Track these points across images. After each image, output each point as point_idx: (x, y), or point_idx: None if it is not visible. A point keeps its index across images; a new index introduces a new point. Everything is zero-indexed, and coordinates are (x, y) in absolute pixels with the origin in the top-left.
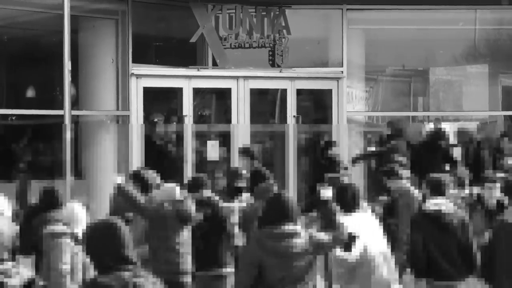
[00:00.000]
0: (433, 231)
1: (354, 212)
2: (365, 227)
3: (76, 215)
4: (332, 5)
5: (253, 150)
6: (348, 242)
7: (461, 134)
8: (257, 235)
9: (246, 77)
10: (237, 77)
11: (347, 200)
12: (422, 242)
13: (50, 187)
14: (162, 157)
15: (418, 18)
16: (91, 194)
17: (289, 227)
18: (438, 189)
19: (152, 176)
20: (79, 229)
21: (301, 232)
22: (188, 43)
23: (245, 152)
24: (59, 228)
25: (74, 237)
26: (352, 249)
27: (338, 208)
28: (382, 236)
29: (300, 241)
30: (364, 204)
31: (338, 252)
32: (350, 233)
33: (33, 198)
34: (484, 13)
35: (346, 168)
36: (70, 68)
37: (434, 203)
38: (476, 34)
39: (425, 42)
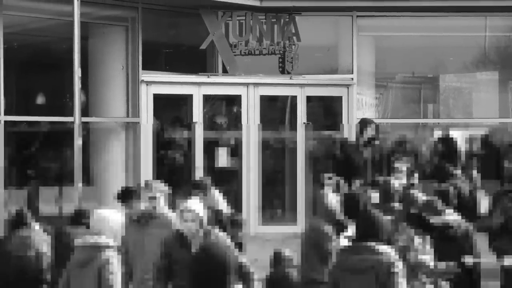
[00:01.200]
0: (436, 241)
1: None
2: None
3: (107, 223)
4: (342, 12)
5: (206, 183)
6: None
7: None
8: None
9: (256, 84)
10: (247, 84)
11: (356, 209)
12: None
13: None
14: (171, 164)
15: (428, 25)
16: (101, 201)
17: (367, 243)
18: (445, 199)
19: (161, 188)
20: (112, 240)
21: (386, 251)
22: (198, 50)
23: (197, 186)
24: (101, 240)
25: (117, 250)
26: None
27: None
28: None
29: (373, 258)
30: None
31: None
32: None
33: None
34: (495, 20)
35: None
36: (80, 75)
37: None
38: (486, 41)
39: (435, 49)
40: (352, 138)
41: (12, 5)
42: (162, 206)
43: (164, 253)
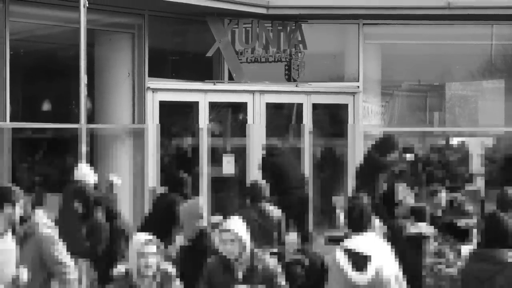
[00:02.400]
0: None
1: (365, 231)
2: (377, 248)
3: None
4: (348, 20)
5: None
6: (361, 263)
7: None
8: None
9: (262, 92)
10: (253, 92)
11: (356, 219)
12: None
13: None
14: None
15: (434, 33)
16: None
17: (495, 251)
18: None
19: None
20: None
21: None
22: (204, 57)
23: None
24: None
25: None
26: (365, 271)
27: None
28: (393, 258)
29: (498, 267)
30: (377, 223)
31: (350, 274)
32: (362, 254)
33: None
34: (501, 28)
35: None
36: (86, 82)
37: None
38: (493, 49)
39: (441, 57)
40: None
41: (18, 12)
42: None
43: (205, 279)
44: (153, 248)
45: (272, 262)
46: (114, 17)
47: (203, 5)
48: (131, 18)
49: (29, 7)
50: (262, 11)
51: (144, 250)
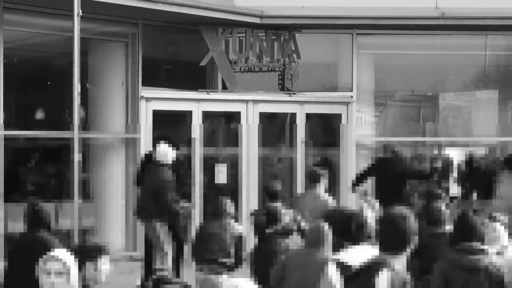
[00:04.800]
0: None
1: (361, 244)
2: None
3: None
4: (342, 30)
5: None
6: (351, 277)
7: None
8: (446, 251)
9: (255, 101)
10: (246, 101)
11: (352, 231)
12: None
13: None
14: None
15: (428, 43)
16: (99, 216)
17: (476, 244)
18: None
19: None
20: None
21: (491, 252)
22: (198, 66)
23: None
24: None
25: None
26: None
27: None
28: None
29: (488, 260)
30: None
31: None
32: (354, 268)
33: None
34: (495, 38)
35: None
36: (79, 90)
37: None
38: (487, 60)
39: (435, 67)
40: None
41: (12, 20)
42: None
43: None
44: None
45: None
46: (108, 26)
47: (197, 15)
48: (125, 27)
49: (23, 16)
50: (256, 20)
51: None
